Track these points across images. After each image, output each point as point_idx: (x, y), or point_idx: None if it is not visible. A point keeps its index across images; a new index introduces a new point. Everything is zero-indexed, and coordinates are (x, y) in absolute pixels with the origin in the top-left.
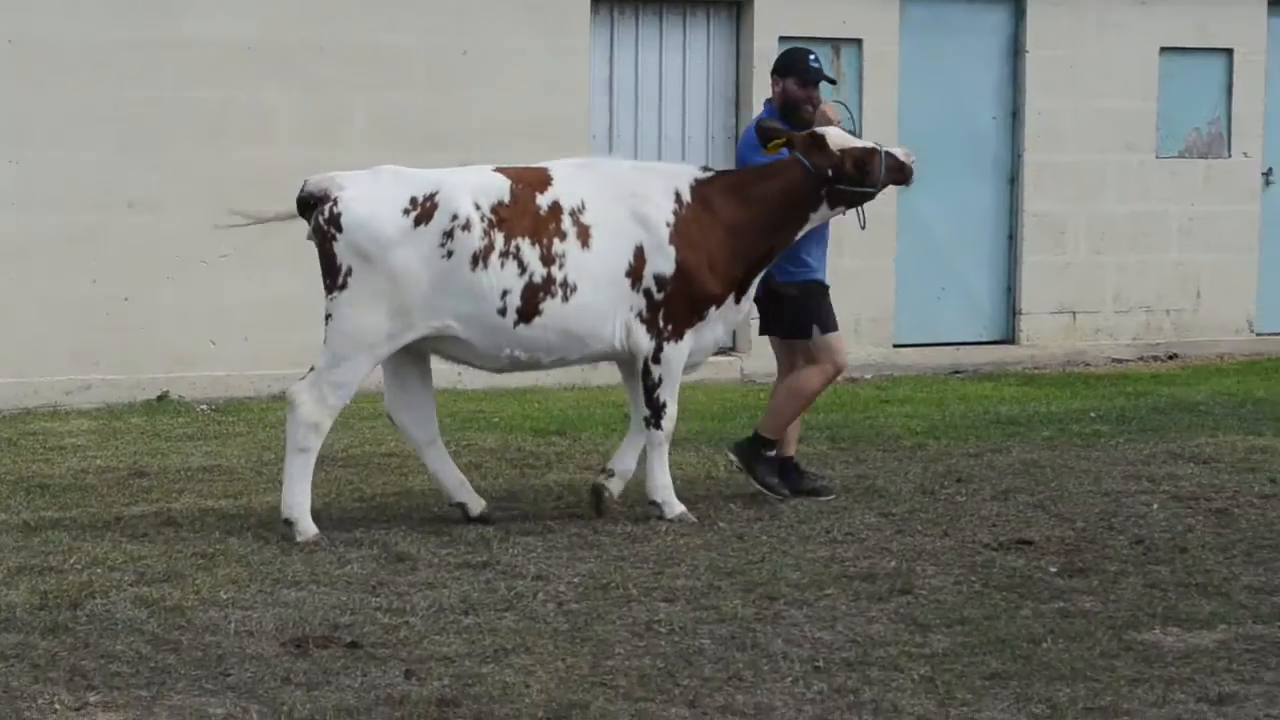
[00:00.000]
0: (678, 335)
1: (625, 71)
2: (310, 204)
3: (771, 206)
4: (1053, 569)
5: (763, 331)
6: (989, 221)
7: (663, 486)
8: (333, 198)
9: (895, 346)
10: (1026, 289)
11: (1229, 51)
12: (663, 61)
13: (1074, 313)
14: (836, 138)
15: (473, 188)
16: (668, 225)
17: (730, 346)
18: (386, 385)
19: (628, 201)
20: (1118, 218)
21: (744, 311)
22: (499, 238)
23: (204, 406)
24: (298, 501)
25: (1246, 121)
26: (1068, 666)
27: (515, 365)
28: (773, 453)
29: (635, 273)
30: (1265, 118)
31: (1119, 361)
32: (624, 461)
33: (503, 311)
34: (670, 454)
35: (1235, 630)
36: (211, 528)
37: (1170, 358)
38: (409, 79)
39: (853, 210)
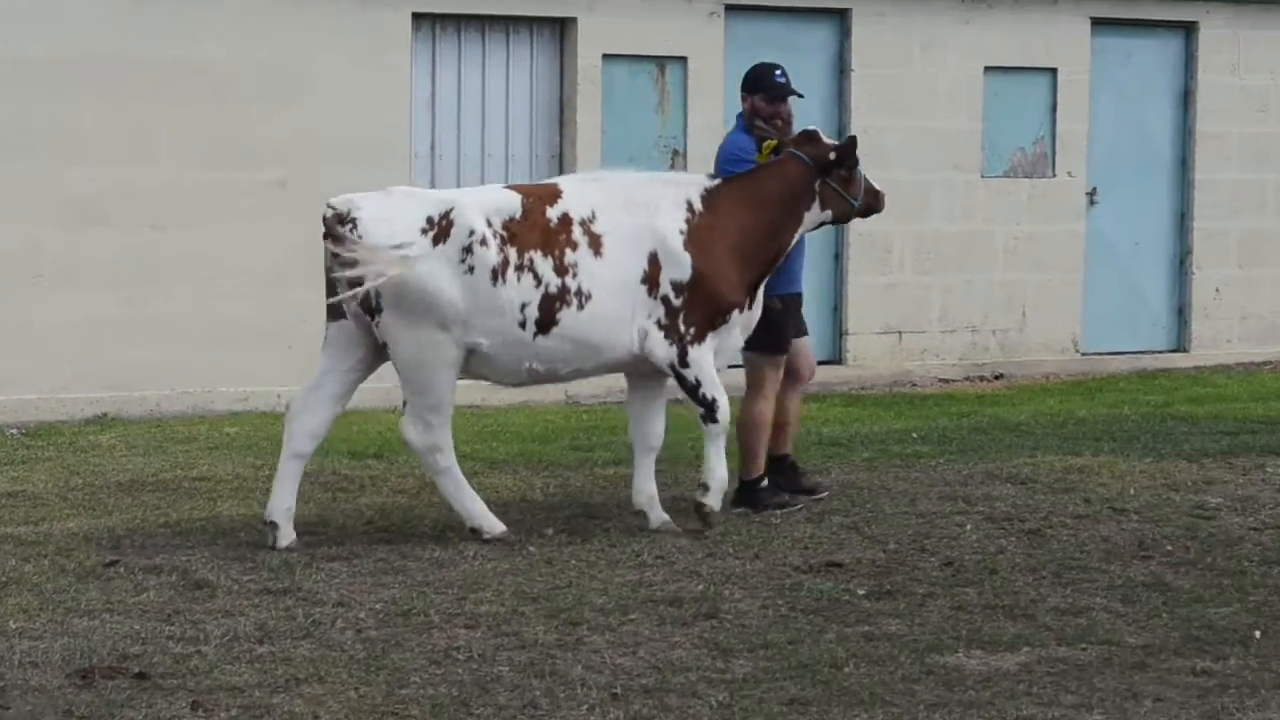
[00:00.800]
0: (699, 339)
1: (448, 89)
2: (337, 223)
3: (776, 206)
4: (861, 591)
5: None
6: (815, 241)
7: (720, 479)
8: (350, 220)
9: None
10: (853, 309)
11: (1053, 71)
12: (486, 80)
13: (900, 333)
14: (826, 136)
15: (483, 205)
16: (681, 233)
17: None
18: (309, 383)
19: (639, 211)
20: (943, 237)
21: (755, 317)
22: (512, 252)
23: (14, 430)
24: (473, 510)
25: (1071, 141)
26: (868, 691)
27: (534, 378)
28: (764, 483)
29: (651, 280)
30: (1089, 137)
31: (945, 381)
32: (644, 491)
33: (523, 324)
34: (488, 476)
35: (1038, 653)
36: (7, 555)
37: (996, 377)
38: (222, 96)
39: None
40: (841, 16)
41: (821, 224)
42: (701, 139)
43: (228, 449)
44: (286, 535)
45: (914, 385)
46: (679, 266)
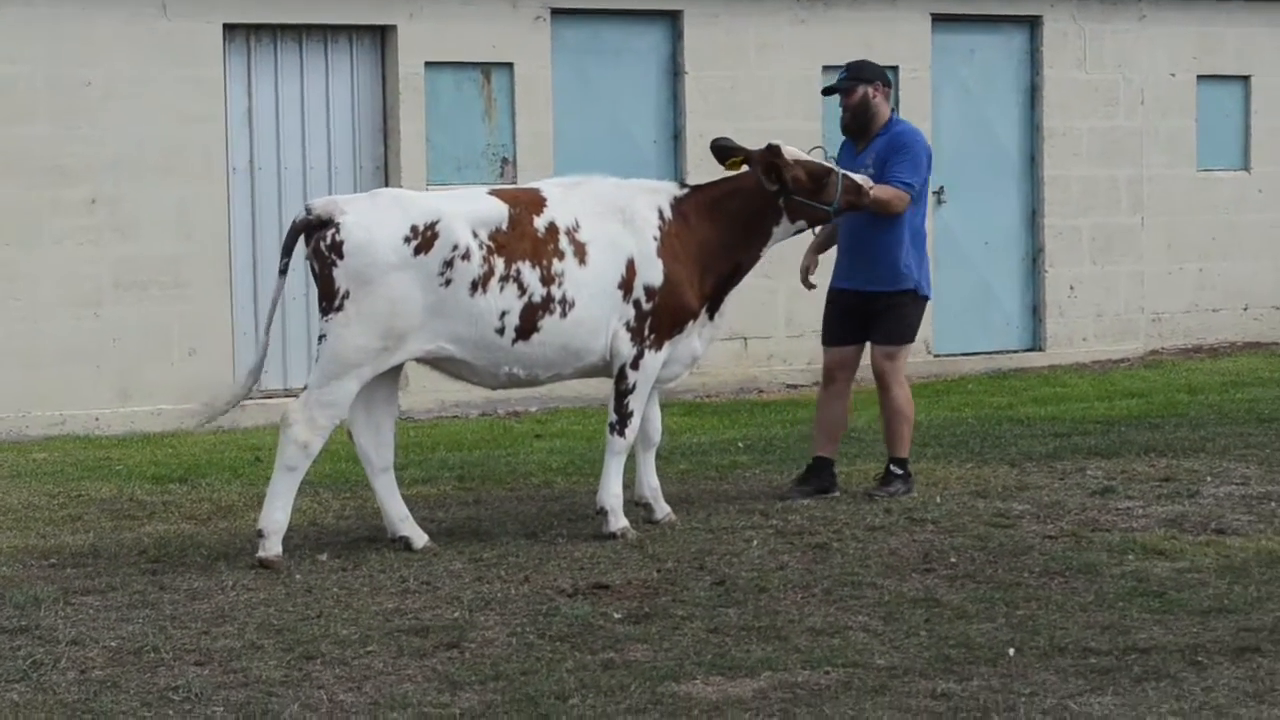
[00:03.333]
0: (658, 345)
1: (265, 102)
2: (312, 227)
3: (736, 221)
4: (617, 615)
5: (836, 341)
6: None
7: (616, 495)
8: (335, 223)
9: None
10: None
11: (894, 69)
12: (305, 91)
13: (745, 339)
14: (792, 151)
15: (470, 217)
16: (655, 239)
17: None
18: (352, 405)
19: (617, 216)
20: (790, 240)
21: (721, 329)
22: (499, 263)
23: None
24: (275, 519)
25: None
26: None
27: (514, 382)
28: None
29: (627, 284)
30: (933, 135)
31: (793, 387)
32: (647, 484)
33: (500, 331)
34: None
35: (779, 677)
36: None
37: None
38: (31, 111)
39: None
40: (673, 18)
41: (799, 232)
42: (531, 146)
43: (31, 476)
44: (419, 538)
45: (760, 392)
46: (653, 272)
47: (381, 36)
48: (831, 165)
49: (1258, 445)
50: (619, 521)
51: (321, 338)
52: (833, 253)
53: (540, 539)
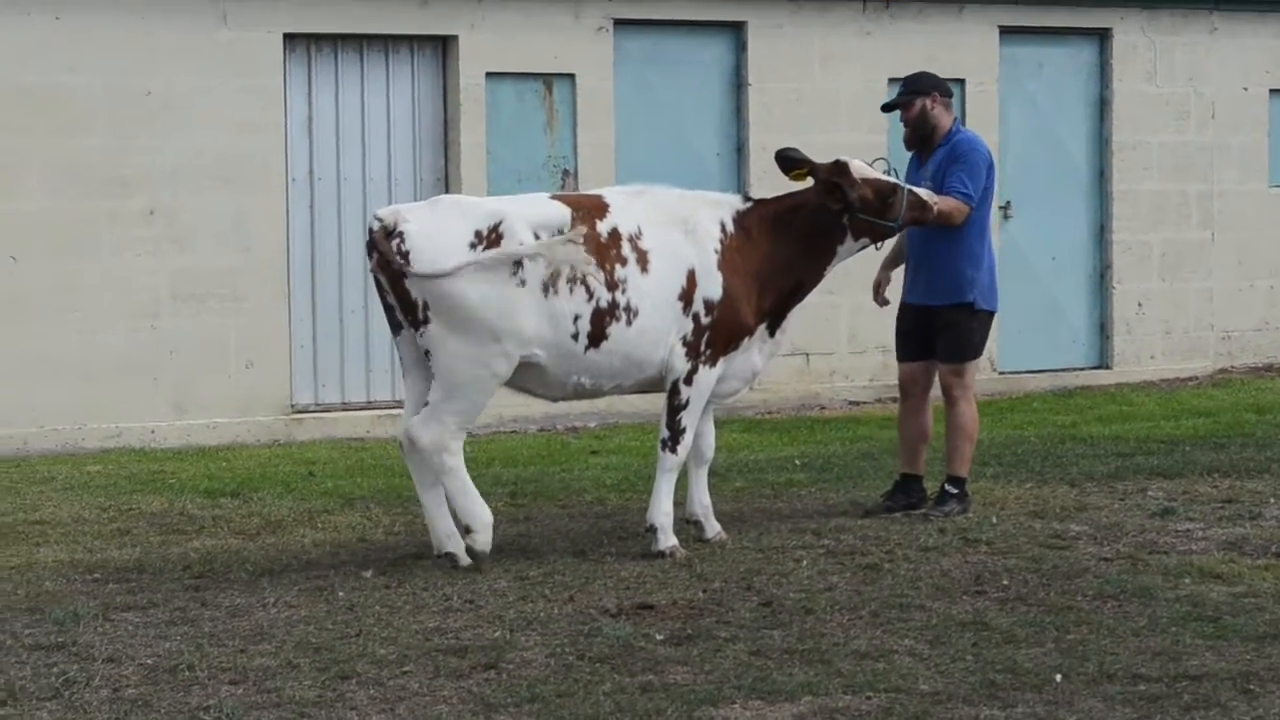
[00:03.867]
0: (713, 361)
1: (325, 111)
2: (385, 236)
3: (799, 238)
4: (659, 637)
5: (906, 357)
6: None
7: (666, 513)
8: (398, 233)
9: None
10: None
11: (960, 82)
12: (365, 101)
13: (807, 354)
14: (859, 167)
15: (532, 219)
16: (716, 252)
17: None
18: (406, 413)
19: (680, 227)
20: (852, 256)
21: (782, 346)
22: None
23: None
24: (475, 513)
25: None
26: None
27: (579, 392)
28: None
29: (687, 296)
30: (1000, 149)
31: (855, 404)
32: (699, 501)
33: (575, 336)
34: (337, 514)
35: (819, 702)
36: None
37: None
38: (90, 122)
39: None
40: (737, 30)
41: (862, 249)
42: (592, 158)
43: (83, 489)
44: (464, 556)
45: (822, 409)
46: (713, 285)
47: (443, 47)
48: (897, 181)
49: None
50: (668, 540)
51: (427, 353)
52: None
53: (588, 557)
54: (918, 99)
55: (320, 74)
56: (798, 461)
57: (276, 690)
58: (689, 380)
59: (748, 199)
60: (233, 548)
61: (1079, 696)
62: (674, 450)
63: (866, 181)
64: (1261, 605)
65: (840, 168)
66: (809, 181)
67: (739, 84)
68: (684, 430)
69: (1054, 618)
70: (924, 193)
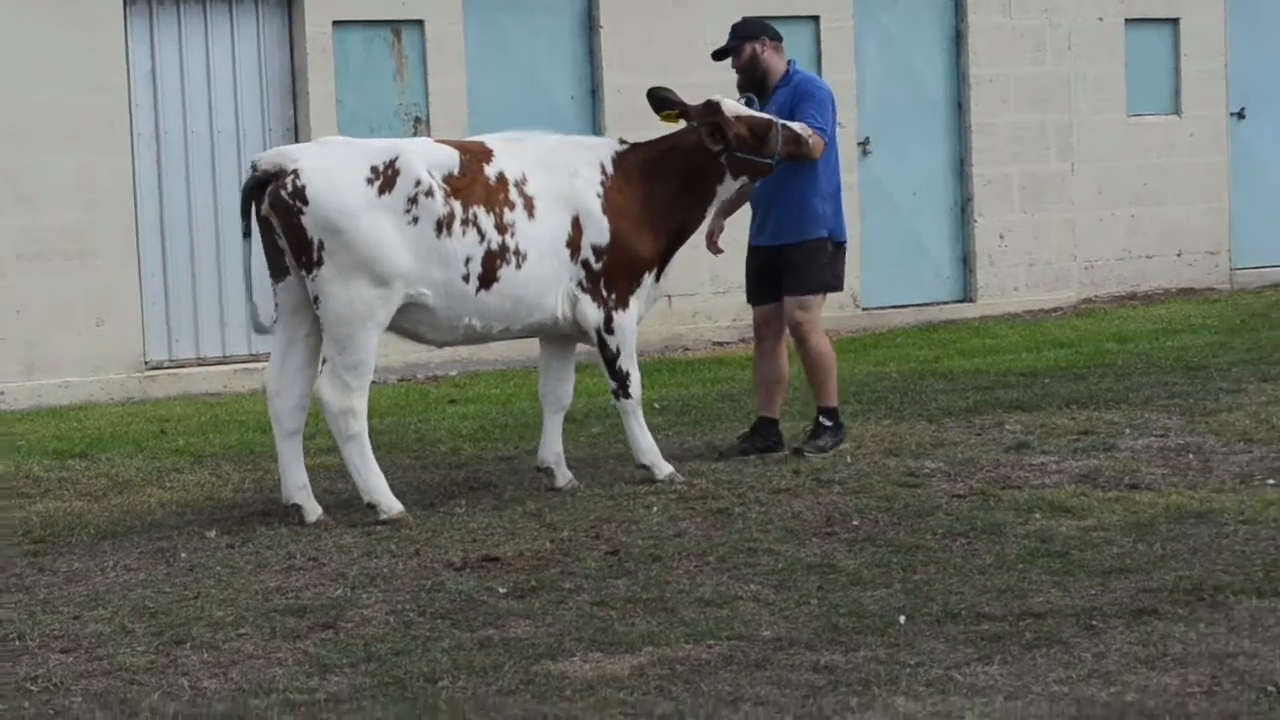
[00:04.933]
0: (623, 303)
1: (169, 65)
2: (264, 183)
3: (678, 179)
4: (502, 590)
5: (759, 299)
6: None
7: (648, 449)
8: (291, 170)
9: None
10: None
11: (815, 19)
12: (210, 54)
13: (670, 296)
14: (732, 105)
15: (426, 157)
16: (598, 196)
17: None
18: (272, 360)
19: (560, 173)
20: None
21: (661, 290)
22: (457, 205)
23: None
24: (373, 484)
25: (839, 90)
26: (456, 708)
27: (469, 336)
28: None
29: (574, 243)
30: (857, 86)
31: (720, 345)
32: (551, 449)
33: (466, 278)
34: (188, 472)
35: (660, 652)
36: None
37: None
38: None
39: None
40: None
41: (741, 187)
42: (444, 105)
43: None
44: (313, 510)
45: (686, 350)
46: (599, 230)
47: None
48: (771, 117)
49: (1182, 395)
50: (664, 470)
51: (315, 300)
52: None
53: (438, 509)
54: (747, 44)
55: (162, 28)
56: (656, 405)
57: (108, 657)
58: (608, 329)
59: (623, 142)
60: (76, 510)
61: (921, 638)
62: (627, 395)
63: (741, 119)
64: (1109, 539)
65: (713, 107)
66: (680, 123)
67: (591, 26)
68: (628, 374)
69: (901, 557)
70: (797, 126)
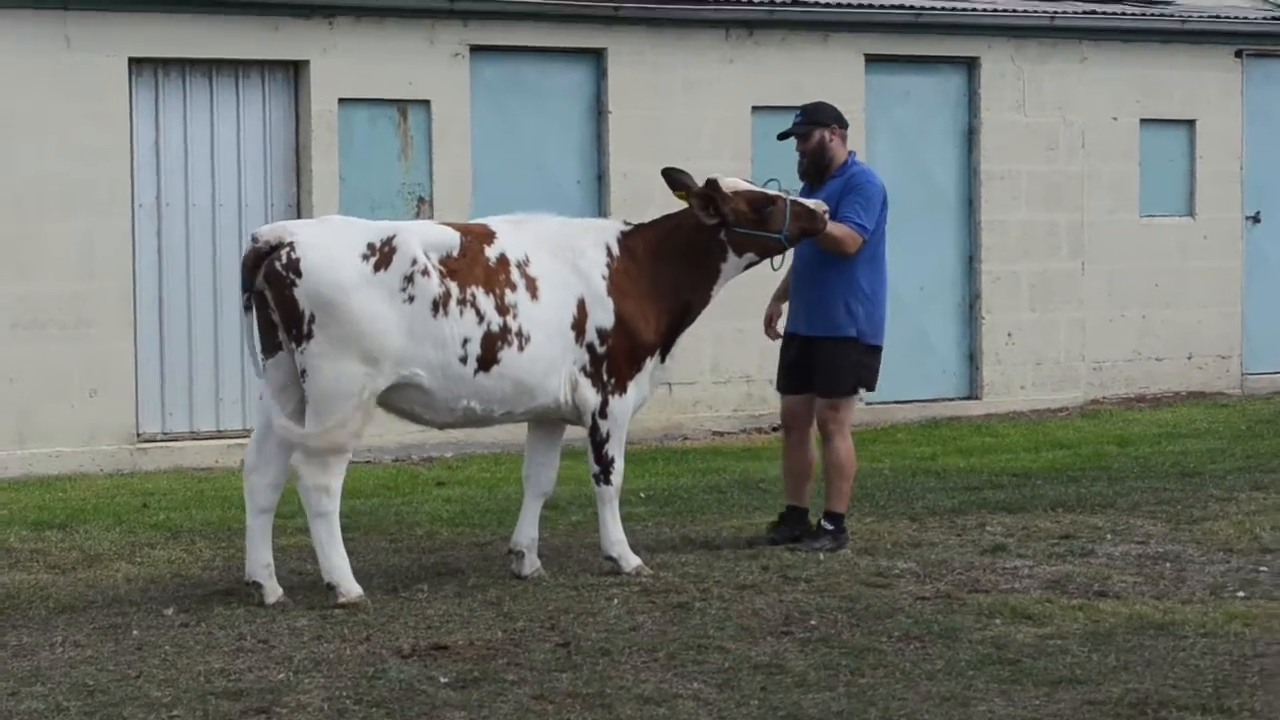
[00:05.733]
0: (621, 389)
1: (173, 137)
2: (263, 255)
3: (681, 259)
4: (444, 680)
5: (788, 389)
6: None
7: (618, 541)
8: (288, 243)
9: None
10: None
11: None
12: (215, 126)
13: (670, 384)
14: (732, 182)
15: (423, 238)
16: (603, 278)
17: None
18: (253, 435)
19: (565, 255)
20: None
21: (666, 372)
22: (454, 286)
23: None
24: (335, 565)
25: None
26: None
27: (468, 419)
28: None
29: (579, 325)
30: None
31: (719, 434)
32: (526, 533)
33: (464, 360)
34: (160, 548)
35: None
36: None
37: (775, 429)
38: None
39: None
40: (597, 56)
41: (750, 265)
42: (449, 185)
43: None
44: (273, 591)
45: (685, 439)
46: (604, 312)
47: (295, 71)
48: (776, 193)
49: (1170, 501)
50: (631, 562)
51: (303, 373)
52: None
53: (400, 594)
54: (817, 130)
55: (168, 99)
56: (642, 494)
57: None
58: (603, 414)
59: (628, 224)
60: (41, 583)
61: None
62: (609, 482)
63: (739, 194)
64: (1065, 647)
65: (711, 183)
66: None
67: (599, 111)
68: (613, 460)
69: (852, 660)
70: (811, 202)
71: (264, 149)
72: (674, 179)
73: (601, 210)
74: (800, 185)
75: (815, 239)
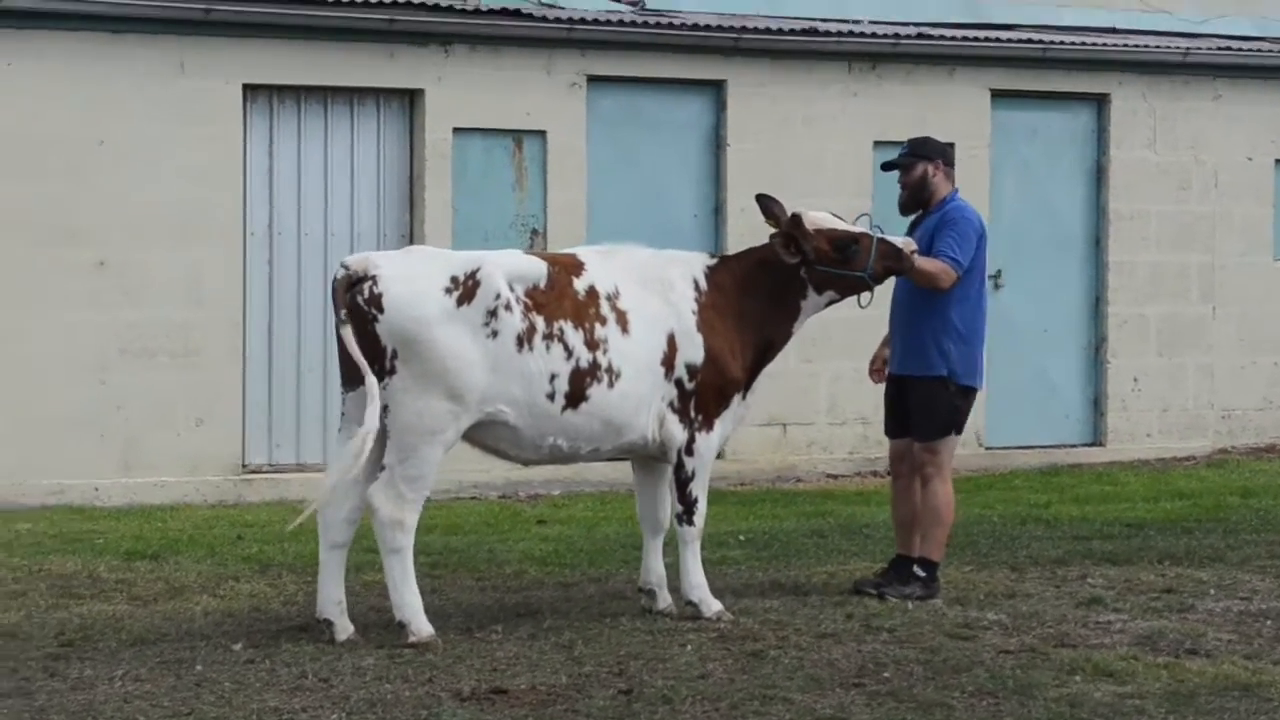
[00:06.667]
0: (708, 426)
1: (287, 164)
2: (352, 283)
3: (764, 294)
4: None
5: (892, 432)
6: None
7: (698, 585)
8: (371, 276)
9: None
10: None
11: (950, 145)
12: (329, 154)
13: (784, 425)
14: (816, 218)
15: (507, 269)
16: (693, 313)
17: None
18: (331, 471)
19: (655, 288)
20: (831, 321)
21: (750, 411)
22: (539, 320)
23: None
24: (408, 603)
25: None
26: None
27: (554, 456)
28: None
29: (669, 361)
30: (991, 216)
31: (833, 477)
32: (654, 571)
33: (551, 396)
34: (249, 580)
35: None
36: None
37: (889, 473)
38: (40, 171)
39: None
40: (716, 88)
41: (831, 303)
42: (563, 217)
43: (3, 548)
44: (343, 629)
45: (799, 480)
46: (694, 348)
47: (410, 100)
48: (860, 230)
49: None
50: (712, 607)
51: (385, 409)
52: None
53: (473, 634)
54: (920, 163)
55: (282, 126)
56: (741, 537)
57: None
58: (689, 451)
59: (713, 255)
60: (119, 614)
61: None
62: (691, 522)
63: (821, 232)
64: (1142, 708)
65: (794, 220)
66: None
67: (718, 144)
68: (696, 500)
69: (919, 715)
70: (898, 240)
71: (378, 178)
72: (766, 207)
73: (718, 244)
74: (909, 221)
75: (906, 276)
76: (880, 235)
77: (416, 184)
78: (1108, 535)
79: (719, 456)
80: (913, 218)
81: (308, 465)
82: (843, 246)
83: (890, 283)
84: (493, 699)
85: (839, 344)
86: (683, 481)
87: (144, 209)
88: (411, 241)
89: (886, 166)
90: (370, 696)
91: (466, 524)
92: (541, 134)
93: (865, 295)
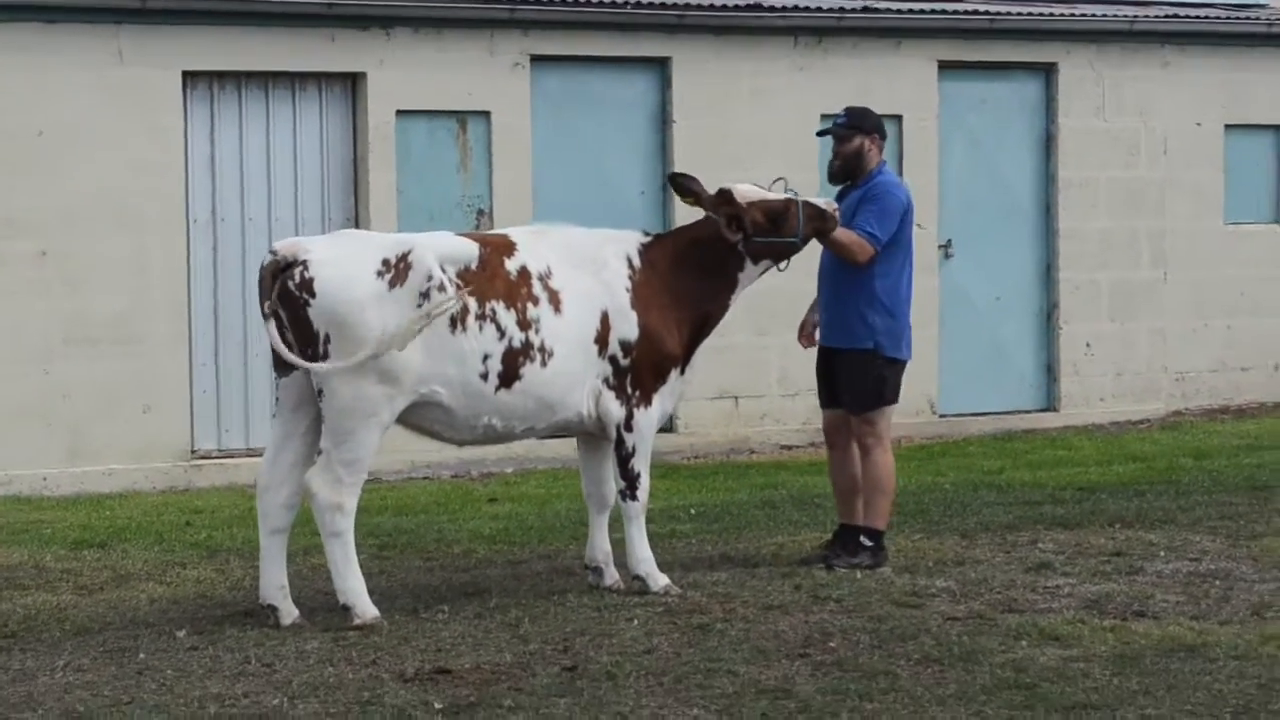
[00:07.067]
0: (646, 401)
1: (229, 151)
2: (279, 269)
3: (700, 271)
4: (439, 705)
5: (825, 403)
6: None
7: (645, 559)
8: (301, 261)
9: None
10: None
11: (898, 118)
12: (271, 140)
13: (736, 397)
14: (745, 191)
15: (439, 249)
16: (626, 290)
17: None
18: (266, 455)
19: (588, 267)
20: (782, 294)
21: (689, 385)
22: (472, 301)
23: None
24: (350, 586)
25: (920, 191)
26: None
27: (489, 435)
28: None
29: (602, 339)
30: (940, 186)
31: (786, 448)
32: (600, 548)
33: (485, 376)
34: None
35: None
36: None
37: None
38: None
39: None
40: (661, 65)
41: (764, 271)
42: (509, 197)
43: None
44: (288, 613)
45: (752, 453)
46: (628, 325)
47: (352, 84)
48: (788, 197)
49: (1234, 516)
50: (659, 582)
51: (319, 392)
52: None
53: (419, 615)
54: (858, 135)
55: (223, 112)
56: (691, 510)
57: None
58: (629, 426)
59: (647, 234)
60: (64, 604)
61: None
62: (634, 498)
63: (754, 205)
64: (1088, 671)
65: (725, 196)
66: (704, 216)
67: (664, 121)
68: (638, 475)
69: (862, 684)
70: (820, 202)
71: (321, 162)
72: (682, 186)
73: (666, 221)
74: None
75: (825, 244)
76: (804, 198)
77: (360, 167)
78: (1059, 500)
79: (668, 430)
80: (840, 188)
81: (257, 450)
82: (775, 215)
83: (815, 251)
84: (436, 679)
85: (789, 316)
86: (624, 457)
87: (85, 198)
88: (357, 225)
89: (822, 133)
90: (313, 680)
91: (418, 504)
92: (485, 115)
93: (785, 261)
